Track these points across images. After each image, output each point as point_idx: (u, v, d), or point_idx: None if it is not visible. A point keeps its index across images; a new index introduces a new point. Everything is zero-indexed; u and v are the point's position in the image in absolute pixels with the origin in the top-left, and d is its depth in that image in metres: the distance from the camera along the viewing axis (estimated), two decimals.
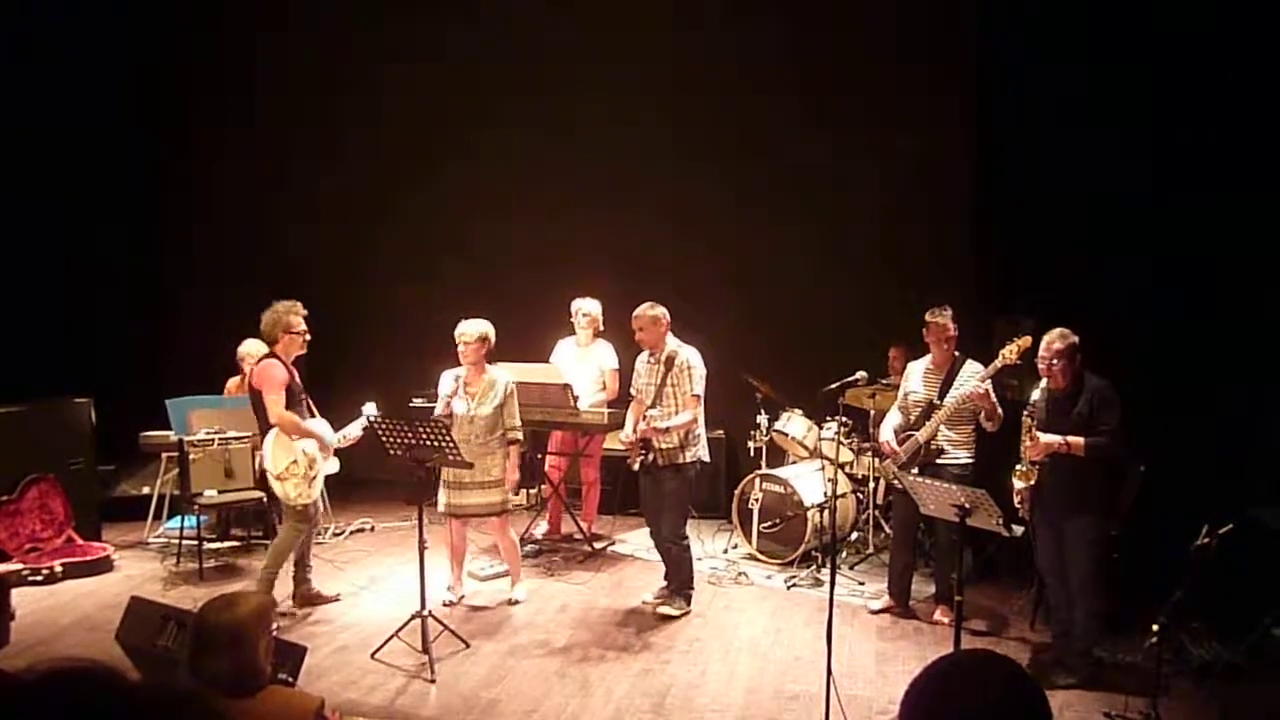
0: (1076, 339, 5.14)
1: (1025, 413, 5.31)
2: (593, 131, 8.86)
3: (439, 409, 6.29)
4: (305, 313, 6.19)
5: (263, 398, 5.96)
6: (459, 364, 6.32)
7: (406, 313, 9.38)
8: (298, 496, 6.03)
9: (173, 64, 9.52)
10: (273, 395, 5.93)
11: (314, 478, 6.11)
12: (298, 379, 6.10)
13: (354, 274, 9.58)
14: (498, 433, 6.29)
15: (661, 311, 6.28)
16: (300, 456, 6.02)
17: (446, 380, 6.32)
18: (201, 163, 9.65)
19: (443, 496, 6.34)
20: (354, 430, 6.19)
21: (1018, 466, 5.29)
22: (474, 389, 6.30)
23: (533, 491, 9.01)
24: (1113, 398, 5.11)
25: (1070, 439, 5.11)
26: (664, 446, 6.20)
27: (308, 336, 6.19)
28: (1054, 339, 5.16)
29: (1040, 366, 5.22)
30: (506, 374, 6.47)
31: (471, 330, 6.24)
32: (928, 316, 6.10)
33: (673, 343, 6.31)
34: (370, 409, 6.14)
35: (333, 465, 6.34)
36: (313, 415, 6.22)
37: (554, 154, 8.99)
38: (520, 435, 6.42)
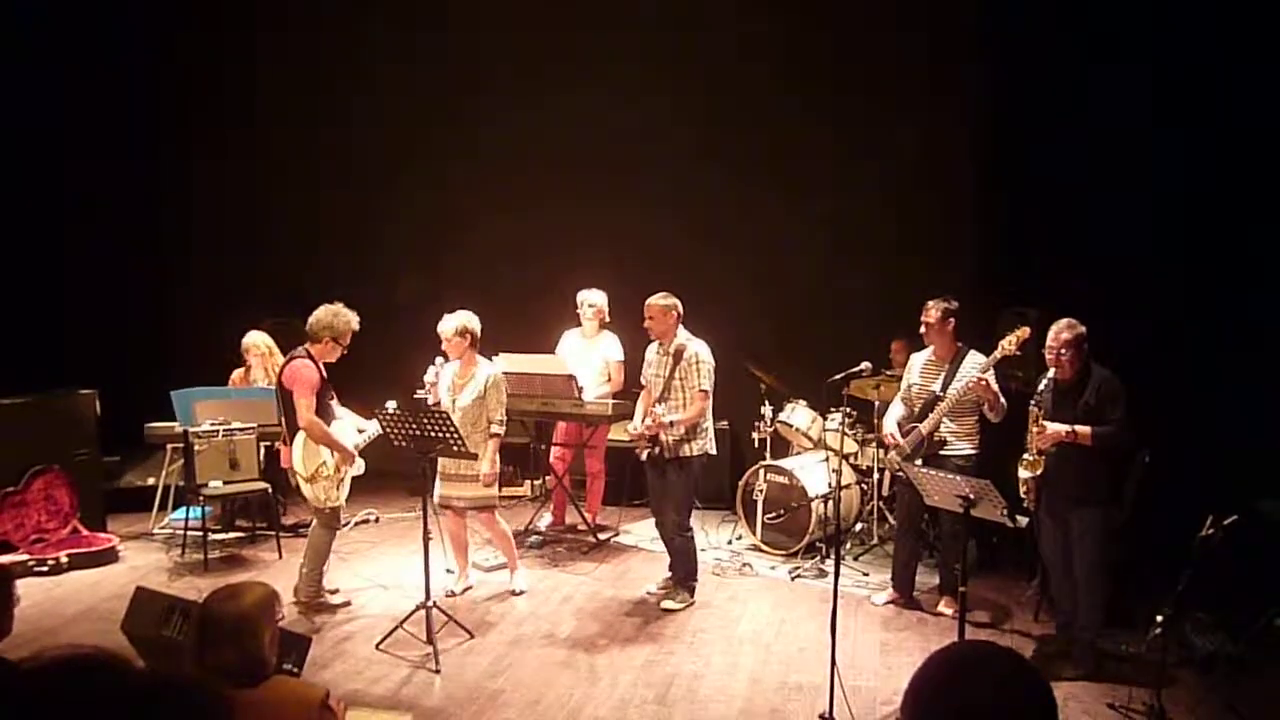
0: (1084, 329, 5.13)
1: (1033, 402, 5.30)
2: (595, 127, 8.83)
3: (430, 397, 6.49)
4: (357, 328, 6.13)
5: (293, 399, 5.90)
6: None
7: (410, 307, 9.37)
8: (326, 499, 6.03)
9: (175, 59, 9.52)
10: (304, 399, 5.85)
11: (341, 479, 6.11)
12: (326, 379, 6.08)
13: (357, 268, 9.56)
14: (481, 425, 6.24)
15: (674, 302, 6.25)
16: (329, 459, 6.01)
17: (430, 368, 6.48)
18: (204, 158, 9.64)
19: (437, 487, 6.36)
20: (374, 428, 6.16)
21: (1024, 456, 5.28)
22: (461, 381, 6.31)
23: (538, 483, 9.03)
24: (1118, 388, 5.10)
25: (1078, 428, 5.09)
26: (671, 440, 6.19)
27: (346, 352, 6.14)
28: (1062, 329, 5.14)
29: (1048, 357, 5.20)
30: (491, 366, 6.42)
31: (448, 326, 6.22)
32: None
33: (683, 335, 6.30)
34: (391, 407, 6.15)
35: (358, 466, 6.29)
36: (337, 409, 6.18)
37: (556, 149, 8.97)
38: (500, 429, 6.25)
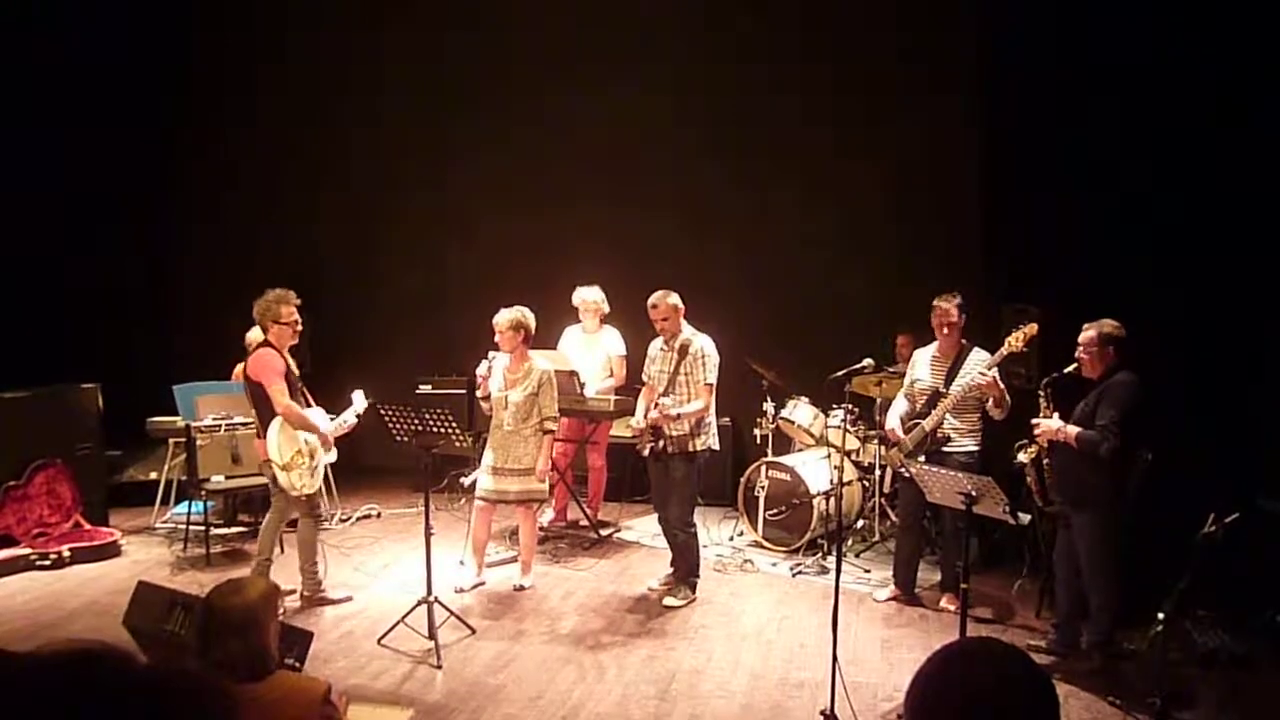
0: (1113, 330, 5.10)
1: (1040, 389, 5.33)
2: (596, 125, 8.83)
3: (480, 390, 6.56)
4: (298, 302, 6.10)
5: (264, 389, 5.89)
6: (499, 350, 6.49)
7: (412, 303, 9.40)
8: (302, 486, 6.01)
9: (178, 56, 9.54)
10: (276, 385, 5.86)
11: (316, 467, 6.10)
12: (293, 368, 6.09)
13: (360, 264, 9.60)
14: (532, 421, 6.34)
15: (678, 298, 6.28)
16: (304, 446, 6.00)
17: (484, 362, 6.52)
18: (208, 155, 9.65)
19: (483, 481, 6.40)
20: (349, 418, 6.19)
21: (1024, 441, 5.35)
22: (514, 375, 6.36)
23: None
24: (1119, 394, 5.03)
25: (1068, 428, 5.11)
26: (675, 434, 6.20)
27: (299, 326, 6.13)
28: (1088, 327, 5.17)
29: (1076, 352, 5.22)
30: (545, 362, 6.51)
31: (504, 319, 6.34)
32: (934, 301, 6.09)
33: (687, 330, 6.31)
34: (359, 396, 6.19)
35: (331, 455, 6.28)
36: (309, 405, 6.17)
37: (557, 147, 8.95)
38: (554, 426, 6.44)
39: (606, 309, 7.78)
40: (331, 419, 6.24)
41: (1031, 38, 7.36)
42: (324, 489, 7.87)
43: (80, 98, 8.66)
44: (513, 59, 9.09)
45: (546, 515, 8.02)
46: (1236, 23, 6.50)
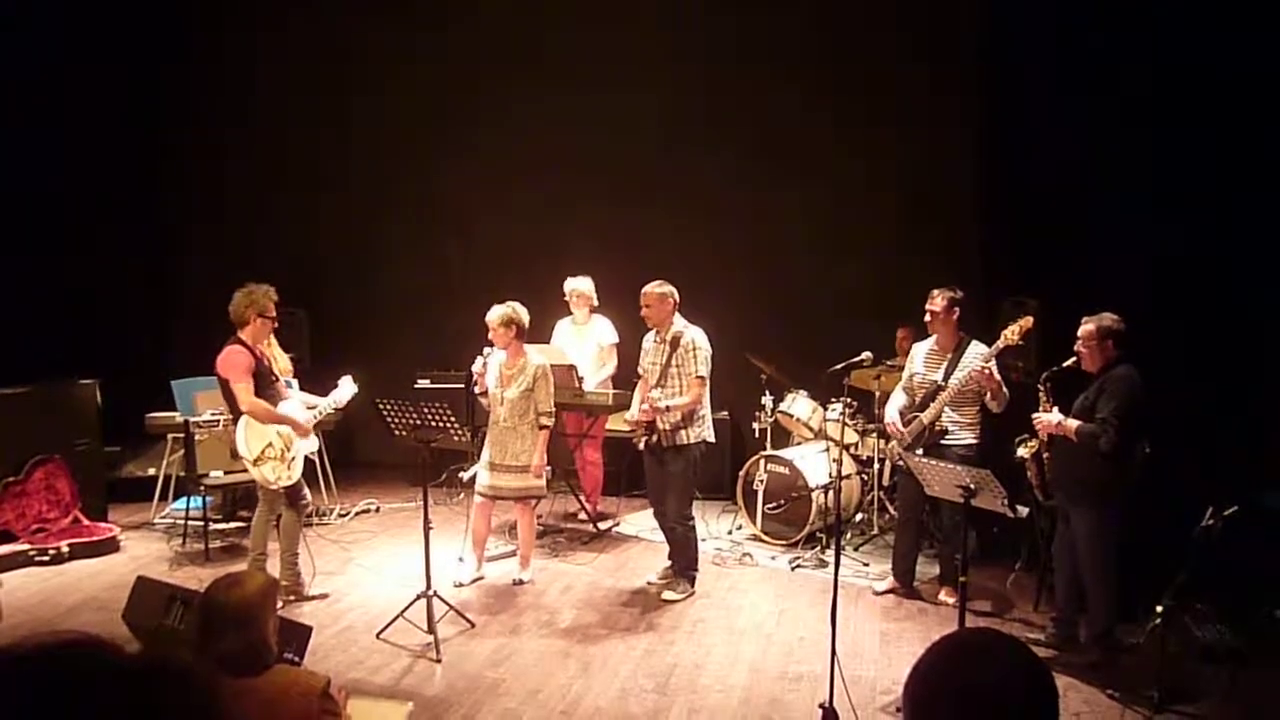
0: (1112, 324, 5.09)
1: (1040, 383, 5.32)
2: (595, 123, 8.80)
3: (477, 387, 6.57)
4: (276, 298, 6.13)
5: (230, 386, 5.89)
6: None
7: (411, 300, 9.39)
8: (277, 479, 5.98)
9: (177, 56, 9.53)
10: (241, 384, 5.84)
11: (292, 459, 6.06)
12: (265, 362, 6.08)
13: (359, 262, 9.57)
14: (529, 417, 6.33)
15: (670, 290, 6.26)
16: (275, 439, 5.97)
17: (479, 358, 6.51)
18: (207, 154, 9.63)
19: (481, 477, 6.41)
20: (326, 406, 6.22)
21: (1025, 435, 5.34)
22: (510, 372, 6.36)
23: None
24: (1118, 388, 5.02)
25: (1066, 421, 5.10)
26: (667, 427, 6.19)
27: (276, 323, 6.19)
28: (1086, 321, 5.17)
29: (1076, 347, 5.22)
30: (540, 357, 6.49)
31: (495, 315, 6.32)
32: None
33: (679, 323, 6.30)
34: (346, 382, 6.26)
35: (311, 444, 6.27)
36: (288, 392, 6.18)
37: (555, 145, 8.92)
38: (549, 420, 6.41)
39: (596, 301, 7.77)
40: (311, 407, 6.24)
41: (1031, 37, 7.36)
42: (320, 484, 7.92)
43: (79, 97, 8.64)
44: (512, 58, 9.06)
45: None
46: (1235, 20, 6.49)
